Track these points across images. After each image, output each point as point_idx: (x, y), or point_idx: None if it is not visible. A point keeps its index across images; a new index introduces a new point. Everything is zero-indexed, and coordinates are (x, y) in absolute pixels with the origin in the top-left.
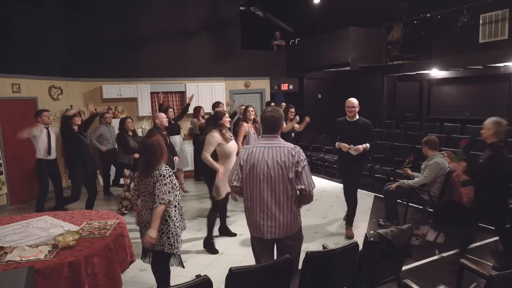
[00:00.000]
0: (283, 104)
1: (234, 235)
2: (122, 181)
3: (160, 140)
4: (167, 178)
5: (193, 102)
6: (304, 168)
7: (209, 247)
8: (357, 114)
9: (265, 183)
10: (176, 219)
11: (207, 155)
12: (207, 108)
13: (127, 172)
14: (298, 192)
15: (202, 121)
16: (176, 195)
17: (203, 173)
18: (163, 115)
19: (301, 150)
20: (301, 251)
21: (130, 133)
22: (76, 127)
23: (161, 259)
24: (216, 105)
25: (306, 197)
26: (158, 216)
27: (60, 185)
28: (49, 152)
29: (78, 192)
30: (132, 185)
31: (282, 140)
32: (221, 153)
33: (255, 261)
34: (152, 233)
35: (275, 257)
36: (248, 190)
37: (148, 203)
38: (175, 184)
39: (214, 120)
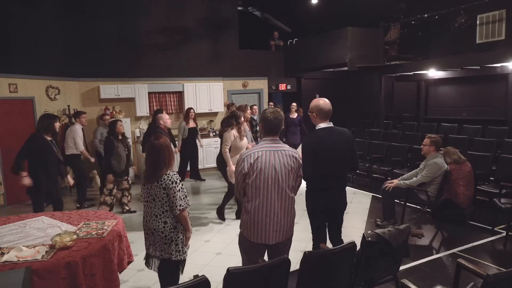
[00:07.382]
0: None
1: None
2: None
3: (168, 142)
4: (178, 184)
5: (188, 102)
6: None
7: (220, 215)
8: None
9: (273, 188)
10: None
11: (227, 151)
12: (205, 108)
13: (111, 177)
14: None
15: (191, 124)
16: (186, 202)
17: (217, 163)
18: (167, 116)
19: None
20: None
21: (120, 137)
22: (48, 137)
23: (169, 267)
24: (231, 105)
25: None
26: (186, 219)
27: (78, 179)
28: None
29: (40, 208)
30: (115, 191)
31: (282, 142)
32: (234, 146)
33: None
34: (189, 235)
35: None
36: (253, 196)
37: (152, 209)
38: (185, 190)
39: (235, 119)
